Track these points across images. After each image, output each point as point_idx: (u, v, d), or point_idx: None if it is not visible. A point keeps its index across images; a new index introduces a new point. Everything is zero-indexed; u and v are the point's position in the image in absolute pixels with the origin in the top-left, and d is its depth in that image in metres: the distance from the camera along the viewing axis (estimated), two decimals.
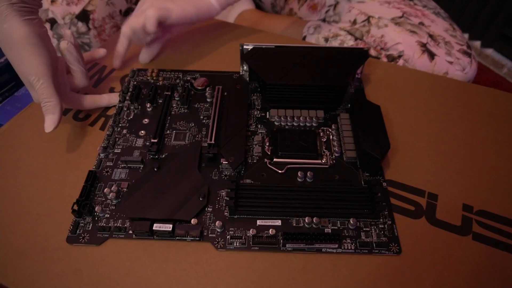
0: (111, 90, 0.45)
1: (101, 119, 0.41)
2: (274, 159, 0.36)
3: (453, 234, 0.32)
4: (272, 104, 0.41)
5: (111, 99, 0.42)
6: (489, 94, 0.45)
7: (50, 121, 0.35)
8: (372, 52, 0.57)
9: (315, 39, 0.62)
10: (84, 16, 0.59)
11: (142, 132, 0.40)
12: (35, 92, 0.35)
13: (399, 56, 0.53)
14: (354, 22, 0.60)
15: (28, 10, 0.35)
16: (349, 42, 0.59)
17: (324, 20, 0.65)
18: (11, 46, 0.34)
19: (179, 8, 0.43)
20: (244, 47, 0.43)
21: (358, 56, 0.41)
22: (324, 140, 0.38)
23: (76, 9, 0.59)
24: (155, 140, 0.38)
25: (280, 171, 0.36)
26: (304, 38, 0.63)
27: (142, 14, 0.42)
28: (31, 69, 0.34)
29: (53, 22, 0.59)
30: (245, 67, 0.45)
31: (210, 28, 0.54)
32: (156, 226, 0.31)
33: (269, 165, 0.36)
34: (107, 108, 0.42)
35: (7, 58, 0.35)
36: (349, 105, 0.41)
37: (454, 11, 0.79)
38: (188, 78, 0.45)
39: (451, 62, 0.51)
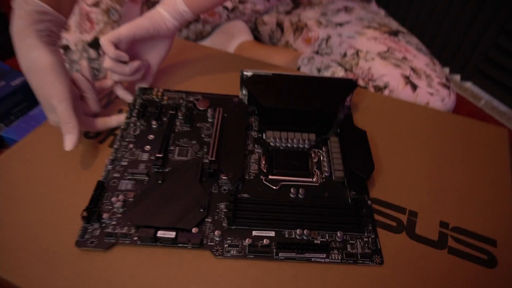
0: (120, 111, 0.48)
1: (110, 138, 0.44)
2: (270, 176, 0.40)
3: (430, 248, 0.35)
4: (268, 126, 0.45)
5: (120, 119, 0.46)
6: (465, 123, 0.49)
7: (69, 141, 0.38)
8: (361, 82, 0.62)
9: (309, 70, 0.66)
10: (95, 43, 0.63)
11: (148, 147, 0.43)
12: (54, 114, 0.39)
13: (385, 87, 0.58)
14: (345, 55, 0.65)
15: (53, 40, 0.39)
16: (340, 73, 0.64)
17: (317, 52, 0.70)
18: (37, 72, 0.37)
19: (128, 25, 0.43)
20: (244, 73, 0.47)
21: (347, 86, 0.45)
22: (315, 160, 0.42)
23: (88, 37, 0.63)
24: (160, 155, 0.41)
25: (274, 187, 0.39)
26: (298, 68, 0.68)
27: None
28: (54, 93, 0.38)
29: (66, 48, 0.63)
30: (244, 92, 0.49)
31: (212, 56, 0.58)
32: (160, 233, 0.33)
33: (264, 182, 0.39)
34: (116, 128, 0.46)
35: (30, 82, 0.39)
36: (338, 130, 0.45)
37: (436, 47, 0.85)
38: (191, 99, 0.49)
39: (431, 93, 0.56)
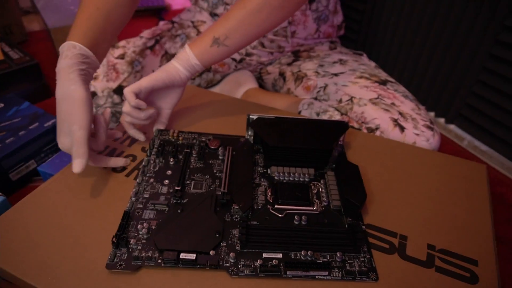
0: (143, 150, 0.54)
1: (134, 172, 0.50)
2: (275, 206, 0.45)
3: (419, 267, 0.40)
4: (272, 162, 0.50)
5: (116, 161, 0.50)
6: (448, 159, 0.55)
7: (79, 164, 0.44)
8: (355, 125, 0.68)
9: (309, 113, 0.73)
10: (119, 90, 0.71)
11: (166, 181, 0.48)
12: (68, 139, 0.45)
13: (376, 129, 0.65)
14: (340, 101, 0.72)
15: (87, 79, 0.48)
16: (336, 117, 0.71)
17: (316, 98, 0.78)
18: (70, 101, 0.45)
19: (148, 78, 0.51)
20: (251, 116, 0.54)
21: (341, 127, 0.52)
22: (315, 192, 0.47)
23: (114, 85, 0.71)
24: (179, 188, 0.46)
25: (280, 215, 0.44)
26: (299, 112, 0.75)
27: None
28: (78, 120, 0.44)
29: (94, 94, 0.71)
30: (250, 132, 0.55)
31: (221, 101, 0.65)
32: (183, 255, 0.38)
33: (271, 211, 0.44)
34: (141, 163, 0.52)
35: (60, 109, 0.46)
36: (333, 165, 0.50)
37: (422, 95, 0.94)
38: (204, 139, 0.55)
39: (417, 134, 0.63)
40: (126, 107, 0.51)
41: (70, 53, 0.47)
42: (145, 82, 0.51)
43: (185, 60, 0.53)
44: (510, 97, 0.78)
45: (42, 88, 0.98)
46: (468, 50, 0.81)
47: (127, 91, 0.50)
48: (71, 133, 0.44)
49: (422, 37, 0.89)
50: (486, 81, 0.80)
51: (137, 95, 0.50)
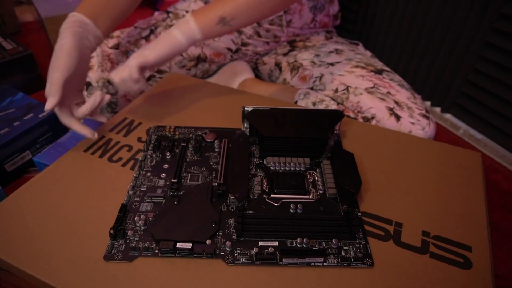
0: (139, 139, 0.54)
1: (131, 161, 0.51)
2: (271, 195, 0.45)
3: (414, 253, 0.40)
4: (268, 153, 0.51)
5: (84, 130, 0.51)
6: (443, 147, 0.56)
7: (49, 101, 0.48)
8: (351, 114, 0.69)
9: (305, 103, 0.74)
10: None
11: (163, 174, 0.48)
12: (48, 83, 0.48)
13: (372, 118, 0.65)
14: (336, 91, 0.72)
15: (85, 44, 0.53)
16: (333, 106, 0.71)
17: (312, 88, 0.78)
18: (57, 52, 0.50)
19: (154, 52, 0.52)
20: (245, 108, 0.54)
21: (336, 116, 0.52)
22: (311, 180, 0.48)
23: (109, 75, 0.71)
24: (175, 180, 0.46)
25: (276, 204, 0.44)
26: (296, 102, 0.75)
27: (127, 66, 0.51)
28: (57, 65, 0.49)
29: (88, 84, 0.71)
30: (245, 124, 0.55)
31: (217, 93, 0.65)
32: (179, 245, 0.38)
33: (267, 200, 0.45)
34: (136, 153, 0.52)
35: (51, 61, 0.50)
36: (329, 154, 0.51)
37: (419, 84, 0.94)
38: (200, 133, 0.56)
39: (413, 123, 0.63)
40: (120, 77, 0.52)
41: (68, 20, 0.53)
42: (152, 58, 0.52)
43: (189, 33, 0.53)
44: (505, 86, 0.78)
45: (37, 79, 0.98)
46: (464, 39, 0.81)
47: (134, 65, 0.51)
48: (50, 76, 0.49)
49: (418, 26, 0.89)
50: (482, 70, 0.80)
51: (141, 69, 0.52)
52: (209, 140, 0.54)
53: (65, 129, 0.74)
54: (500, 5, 0.73)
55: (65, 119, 0.51)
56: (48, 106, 0.48)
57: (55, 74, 0.48)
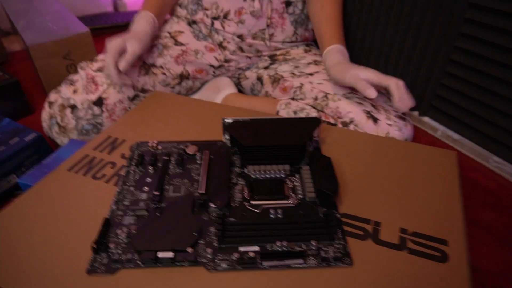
0: (123, 156, 0.55)
1: (114, 178, 0.51)
2: (252, 202, 0.46)
3: (393, 250, 0.41)
4: (249, 162, 0.52)
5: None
6: (419, 148, 0.57)
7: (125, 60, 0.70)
8: (331, 120, 0.70)
9: (286, 113, 0.75)
10: (99, 102, 0.72)
11: (146, 188, 0.49)
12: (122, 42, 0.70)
13: (351, 122, 0.67)
14: (316, 99, 0.74)
15: (151, 25, 0.79)
16: (313, 114, 0.72)
17: (293, 98, 0.80)
18: (136, 30, 0.75)
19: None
20: (225, 120, 0.55)
21: (313, 123, 0.54)
22: (291, 186, 0.49)
23: (93, 97, 0.72)
24: (157, 193, 0.47)
25: (257, 211, 0.45)
26: (277, 112, 0.77)
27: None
28: (138, 38, 0.73)
29: (73, 107, 0.72)
30: (226, 136, 0.57)
31: (200, 108, 0.67)
32: (160, 254, 0.39)
33: (248, 207, 0.46)
34: (120, 169, 0.53)
35: (131, 29, 0.77)
36: (308, 160, 0.52)
37: None
38: (182, 147, 0.57)
39: (390, 125, 0.65)
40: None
41: (142, 13, 0.78)
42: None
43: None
44: (476, 87, 0.80)
45: (23, 106, 1.00)
46: (434, 44, 0.84)
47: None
48: (131, 45, 0.70)
49: (390, 36, 0.92)
50: (453, 73, 0.83)
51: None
52: (191, 153, 0.55)
53: (50, 151, 0.75)
54: (464, 10, 0.77)
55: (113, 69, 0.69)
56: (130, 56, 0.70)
57: (136, 45, 0.70)
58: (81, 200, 0.48)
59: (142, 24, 0.75)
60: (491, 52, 0.75)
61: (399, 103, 0.60)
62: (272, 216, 0.44)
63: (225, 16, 0.84)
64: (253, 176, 0.51)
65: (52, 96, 0.76)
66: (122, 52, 0.70)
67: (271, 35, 0.87)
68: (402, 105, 0.60)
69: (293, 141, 0.51)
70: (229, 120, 0.55)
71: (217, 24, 0.85)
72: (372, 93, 0.61)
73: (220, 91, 0.90)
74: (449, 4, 0.78)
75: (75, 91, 0.73)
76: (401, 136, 0.64)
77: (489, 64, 0.76)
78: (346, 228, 0.44)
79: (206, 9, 0.85)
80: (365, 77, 0.63)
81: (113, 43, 0.68)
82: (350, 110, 0.67)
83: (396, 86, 0.60)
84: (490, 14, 0.73)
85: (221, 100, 0.89)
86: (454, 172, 0.52)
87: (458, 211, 0.46)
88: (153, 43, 0.84)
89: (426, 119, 0.93)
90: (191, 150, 0.55)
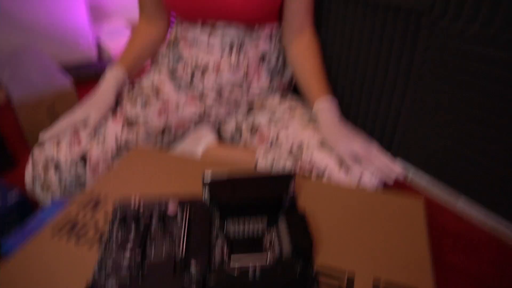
0: (105, 215, 0.57)
1: (97, 241, 0.53)
2: (231, 266, 0.48)
3: None
4: (228, 217, 0.54)
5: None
6: (388, 199, 0.61)
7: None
8: (306, 170, 0.74)
9: (264, 162, 0.78)
10: (82, 159, 0.75)
11: (128, 253, 0.50)
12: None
13: (324, 171, 0.70)
14: (291, 151, 0.78)
15: (119, 85, 0.87)
16: (289, 163, 0.76)
17: (270, 147, 0.84)
18: (100, 94, 0.82)
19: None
20: (205, 180, 0.57)
21: (287, 179, 0.57)
22: (268, 242, 0.51)
23: (77, 154, 0.75)
24: (139, 260, 0.49)
25: (234, 274, 0.47)
26: (256, 161, 0.80)
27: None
28: (98, 106, 0.81)
29: (57, 166, 0.74)
30: (205, 194, 0.59)
31: (180, 163, 0.69)
32: None
33: (226, 270, 0.47)
34: (103, 230, 0.54)
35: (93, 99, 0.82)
36: (285, 215, 0.55)
37: (367, 133, 1.04)
38: (163, 208, 0.58)
39: (361, 171, 0.69)
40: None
41: (112, 71, 0.86)
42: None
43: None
44: (441, 126, 0.86)
45: (6, 160, 1.00)
46: (400, 89, 0.90)
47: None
48: (90, 114, 0.78)
49: (358, 85, 0.99)
50: (420, 115, 0.89)
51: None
52: (171, 215, 0.57)
53: (31, 213, 0.76)
54: (422, 53, 0.84)
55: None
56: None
57: (94, 114, 0.78)
58: (64, 267, 0.49)
59: (110, 82, 0.84)
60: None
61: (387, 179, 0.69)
62: (250, 279, 0.46)
63: (204, 69, 0.88)
64: (232, 233, 0.53)
65: (36, 155, 0.76)
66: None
67: (248, 86, 0.91)
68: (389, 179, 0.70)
69: (268, 197, 0.54)
70: (208, 179, 0.57)
71: (196, 76, 0.90)
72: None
73: (201, 141, 0.93)
74: (409, 50, 0.84)
75: (58, 144, 0.75)
76: (374, 180, 0.68)
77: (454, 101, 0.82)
78: (322, 278, 0.46)
79: (185, 61, 0.90)
80: (352, 152, 0.71)
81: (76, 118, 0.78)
82: (323, 161, 0.71)
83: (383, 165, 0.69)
84: (446, 54, 0.80)
85: (202, 151, 0.92)
86: (421, 222, 0.56)
87: (427, 258, 0.49)
88: (135, 94, 0.88)
89: (397, 160, 0.99)
90: (172, 211, 0.57)
